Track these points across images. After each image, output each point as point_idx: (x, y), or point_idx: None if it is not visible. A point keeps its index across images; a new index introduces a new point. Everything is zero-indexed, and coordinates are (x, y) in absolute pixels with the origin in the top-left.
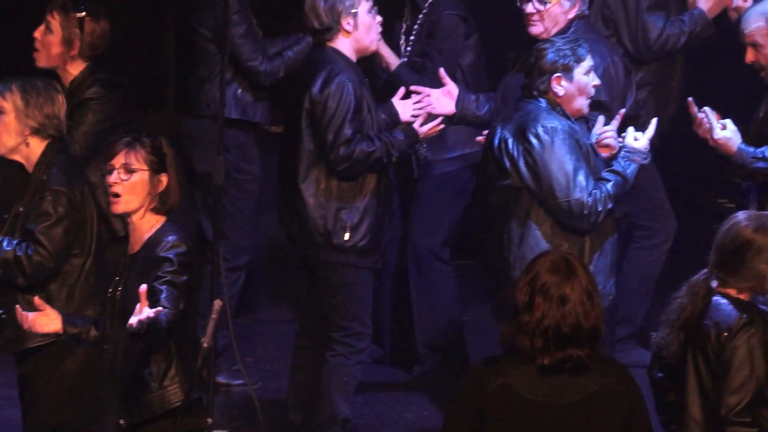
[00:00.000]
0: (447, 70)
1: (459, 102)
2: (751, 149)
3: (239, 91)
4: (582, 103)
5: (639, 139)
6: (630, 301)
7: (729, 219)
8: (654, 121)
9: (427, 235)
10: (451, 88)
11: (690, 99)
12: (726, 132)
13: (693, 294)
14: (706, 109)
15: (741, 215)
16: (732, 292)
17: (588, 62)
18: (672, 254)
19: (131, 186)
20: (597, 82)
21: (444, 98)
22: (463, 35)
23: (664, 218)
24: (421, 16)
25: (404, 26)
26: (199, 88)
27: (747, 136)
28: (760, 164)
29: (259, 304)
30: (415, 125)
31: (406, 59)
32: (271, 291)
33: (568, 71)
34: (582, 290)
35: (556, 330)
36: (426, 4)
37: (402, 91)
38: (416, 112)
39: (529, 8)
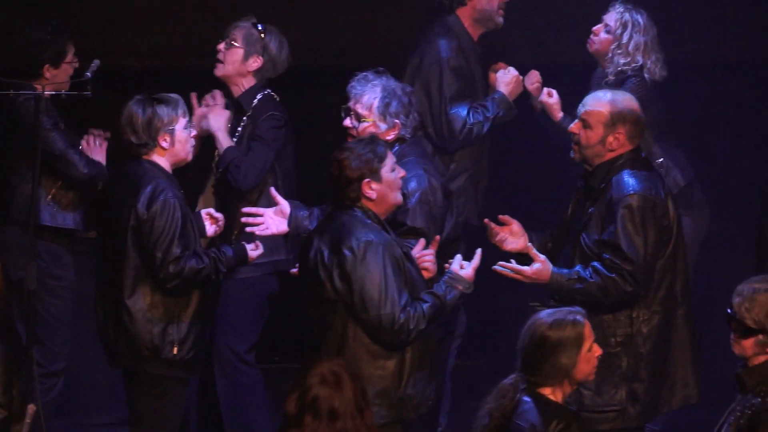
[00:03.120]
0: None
1: (291, 220)
2: (565, 271)
3: (49, 198)
4: (395, 197)
5: (465, 268)
6: None
7: (531, 319)
8: (478, 251)
9: (231, 339)
10: (283, 206)
11: (486, 220)
12: (535, 264)
13: (501, 397)
14: (511, 263)
15: (542, 313)
16: (546, 391)
17: (390, 158)
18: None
19: None
20: (403, 173)
21: (276, 217)
22: (283, 137)
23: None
24: (245, 118)
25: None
26: (10, 195)
27: (562, 236)
28: (578, 285)
29: (78, 407)
30: (249, 248)
31: (235, 142)
32: (89, 394)
33: (375, 173)
34: (352, 405)
35: None
36: (250, 107)
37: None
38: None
39: (347, 122)
